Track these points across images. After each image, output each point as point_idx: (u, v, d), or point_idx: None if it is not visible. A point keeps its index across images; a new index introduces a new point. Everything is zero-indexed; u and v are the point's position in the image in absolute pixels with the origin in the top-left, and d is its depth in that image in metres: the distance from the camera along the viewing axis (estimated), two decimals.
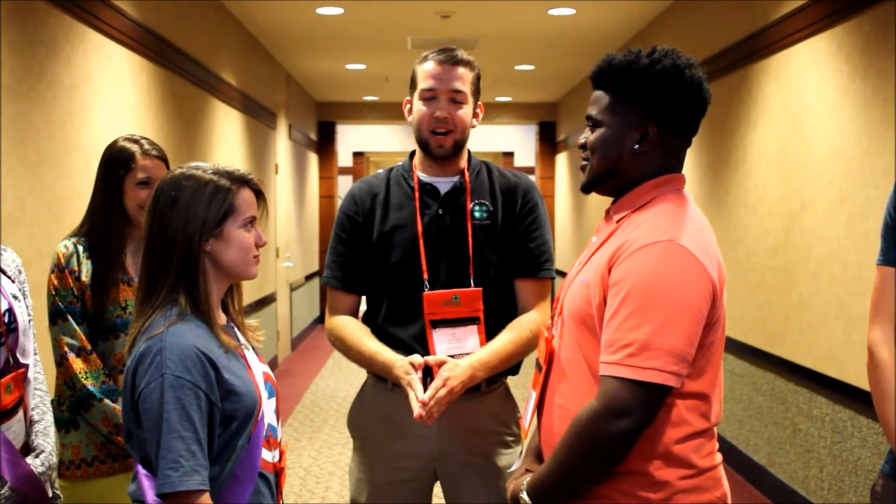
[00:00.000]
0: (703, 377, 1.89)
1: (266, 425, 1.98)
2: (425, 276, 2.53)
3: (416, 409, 2.34)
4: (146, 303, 1.95)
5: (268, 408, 2.00)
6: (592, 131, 1.99)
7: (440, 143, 2.54)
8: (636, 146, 1.94)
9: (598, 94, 1.99)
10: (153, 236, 1.95)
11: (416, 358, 2.41)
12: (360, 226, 2.60)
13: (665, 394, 1.82)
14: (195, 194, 1.93)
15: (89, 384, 2.66)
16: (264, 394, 1.99)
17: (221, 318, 2.01)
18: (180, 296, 1.92)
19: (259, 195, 2.03)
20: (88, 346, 2.69)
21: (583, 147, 2.02)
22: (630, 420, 1.78)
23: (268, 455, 1.98)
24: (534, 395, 2.07)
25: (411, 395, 2.36)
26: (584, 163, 2.03)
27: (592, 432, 1.81)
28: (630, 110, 1.94)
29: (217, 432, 1.88)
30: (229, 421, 1.89)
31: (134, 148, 2.77)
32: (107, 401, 2.67)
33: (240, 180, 1.98)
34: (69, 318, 2.69)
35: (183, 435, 1.81)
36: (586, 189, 2.06)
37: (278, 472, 2.03)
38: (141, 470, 1.90)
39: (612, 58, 1.97)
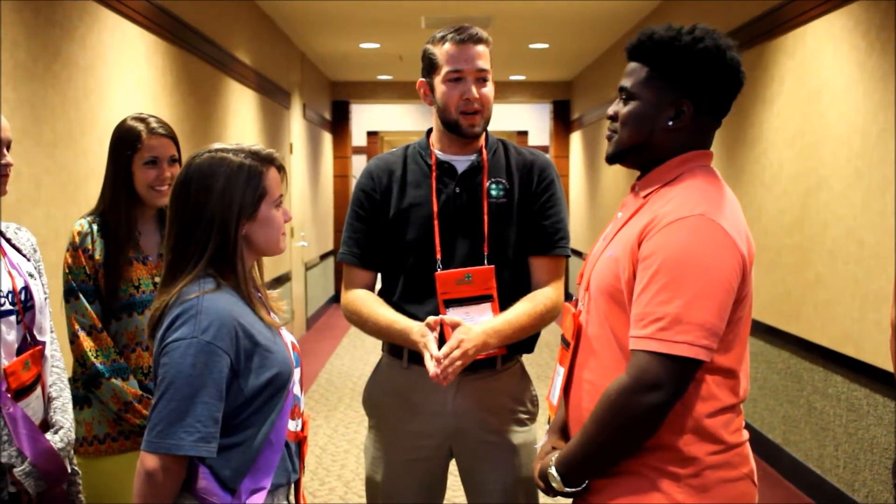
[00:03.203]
0: (732, 352, 1.89)
1: (293, 395, 2.01)
2: (438, 255, 2.53)
3: (432, 368, 2.34)
4: (174, 281, 1.95)
5: (294, 377, 2.03)
6: (625, 104, 1.97)
7: (471, 123, 2.53)
8: (670, 122, 1.93)
9: (634, 66, 1.97)
10: (186, 222, 1.94)
11: (432, 318, 2.41)
12: (376, 202, 2.60)
13: (696, 368, 1.81)
14: (230, 179, 1.93)
15: (98, 362, 2.67)
16: (295, 364, 2.03)
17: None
18: (215, 273, 1.93)
19: (281, 171, 2.04)
20: (99, 325, 2.70)
21: (612, 118, 2.00)
22: (661, 394, 1.78)
23: (291, 424, 2.00)
24: (561, 371, 2.07)
25: (426, 355, 2.36)
26: (612, 133, 2.01)
27: (623, 406, 1.81)
28: (667, 86, 1.92)
29: (240, 400, 1.90)
30: (264, 388, 1.91)
31: (140, 127, 2.76)
32: (115, 379, 2.67)
33: (266, 160, 1.99)
34: (80, 296, 2.70)
35: (206, 401, 1.83)
36: (611, 160, 2.04)
37: (300, 441, 2.05)
38: None
39: (653, 31, 1.95)
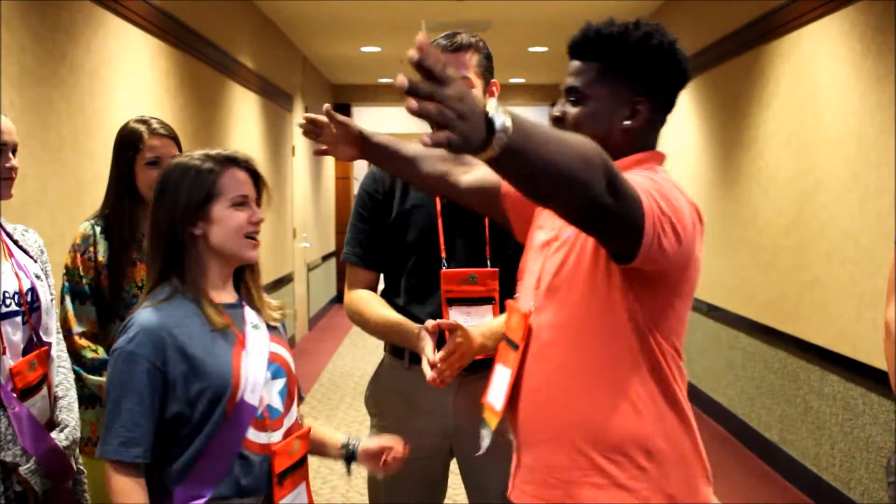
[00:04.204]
0: (680, 337, 1.83)
1: (264, 406, 1.95)
2: (443, 254, 2.53)
3: (428, 373, 2.34)
4: (148, 287, 2.02)
5: (269, 389, 1.97)
6: (575, 105, 1.84)
7: None
8: (626, 122, 1.83)
9: (581, 64, 1.85)
10: (150, 226, 2.03)
11: (430, 322, 2.41)
12: (379, 203, 2.60)
13: (635, 226, 1.62)
14: (178, 182, 1.97)
15: (74, 365, 2.67)
16: (262, 375, 1.96)
17: (227, 298, 2.01)
18: (173, 277, 1.97)
19: (253, 174, 2.02)
20: (73, 328, 2.70)
21: (558, 120, 1.86)
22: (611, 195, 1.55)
23: (258, 436, 1.94)
24: (507, 374, 1.92)
25: (423, 359, 2.36)
26: None
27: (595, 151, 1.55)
28: (622, 84, 1.82)
29: (175, 409, 1.90)
30: (196, 400, 1.89)
31: (142, 128, 2.77)
32: (93, 376, 2.67)
33: (226, 161, 1.98)
34: (66, 298, 2.71)
35: (129, 407, 1.87)
36: None
37: (272, 454, 1.96)
38: None
39: (599, 28, 1.83)
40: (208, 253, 1.98)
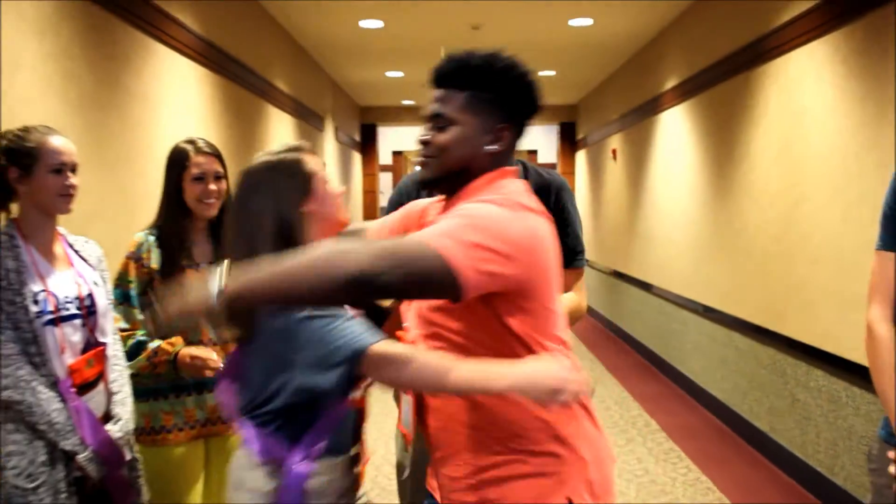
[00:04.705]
0: (561, 337, 1.80)
1: None
2: None
3: None
4: None
5: None
6: (441, 130, 1.81)
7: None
8: (491, 147, 1.81)
9: (446, 92, 1.83)
10: (238, 222, 1.89)
11: None
12: None
13: (440, 274, 1.57)
14: (271, 174, 1.89)
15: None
16: None
17: None
18: None
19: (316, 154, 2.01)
20: (118, 323, 2.69)
21: (425, 144, 1.83)
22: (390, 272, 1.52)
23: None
24: (409, 400, 1.92)
25: None
26: (427, 160, 1.83)
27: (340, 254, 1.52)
28: (488, 112, 1.80)
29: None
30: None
31: (189, 147, 2.79)
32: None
33: (298, 150, 1.95)
34: (114, 299, 2.72)
35: (346, 323, 1.75)
36: (430, 185, 1.86)
37: (359, 409, 1.95)
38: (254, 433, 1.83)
39: (466, 59, 1.82)
40: (315, 227, 1.91)
